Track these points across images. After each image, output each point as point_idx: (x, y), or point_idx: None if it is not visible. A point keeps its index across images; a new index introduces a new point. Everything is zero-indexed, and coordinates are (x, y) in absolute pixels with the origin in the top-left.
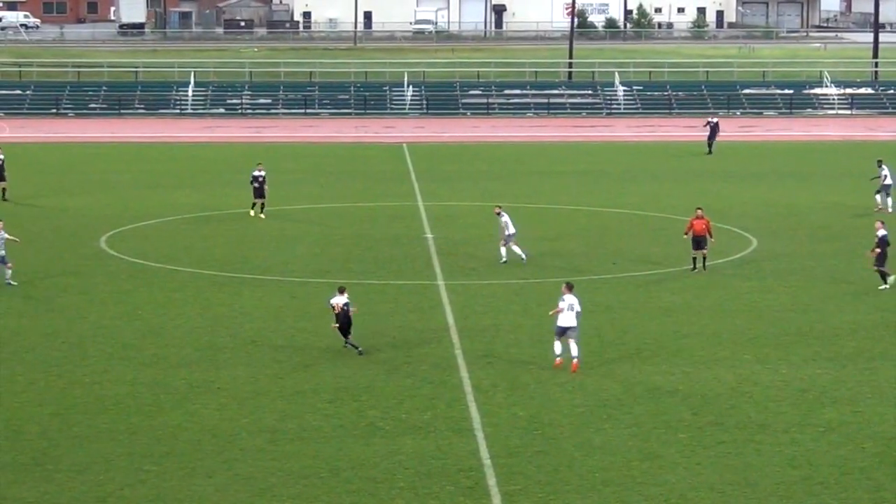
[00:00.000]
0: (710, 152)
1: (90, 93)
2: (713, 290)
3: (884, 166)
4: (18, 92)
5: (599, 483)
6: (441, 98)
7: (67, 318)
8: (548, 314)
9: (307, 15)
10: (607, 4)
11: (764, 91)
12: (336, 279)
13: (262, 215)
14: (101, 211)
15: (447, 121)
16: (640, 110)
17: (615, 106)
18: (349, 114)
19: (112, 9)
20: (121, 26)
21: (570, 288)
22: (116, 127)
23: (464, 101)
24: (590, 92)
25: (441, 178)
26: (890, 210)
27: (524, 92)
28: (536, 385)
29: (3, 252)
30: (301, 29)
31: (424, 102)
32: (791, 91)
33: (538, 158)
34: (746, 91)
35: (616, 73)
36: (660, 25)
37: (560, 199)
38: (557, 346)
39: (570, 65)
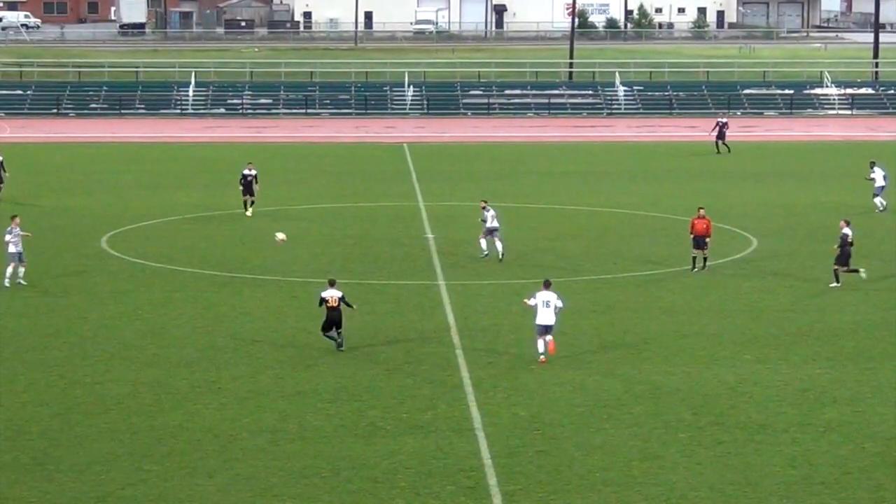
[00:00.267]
0: (719, 151)
1: (91, 93)
2: (713, 290)
3: (875, 168)
4: (19, 92)
5: (600, 483)
6: (442, 98)
7: (68, 318)
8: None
9: (308, 15)
10: (608, 4)
11: (764, 91)
12: (337, 279)
13: (249, 212)
14: (102, 211)
15: (448, 121)
16: (641, 110)
17: (616, 106)
18: (350, 114)
19: (113, 9)
20: (121, 26)
21: (547, 285)
22: (117, 127)
23: (464, 101)
24: (590, 92)
25: (442, 178)
26: (879, 210)
27: (525, 92)
28: (537, 385)
29: (20, 249)
30: (302, 29)
31: (425, 102)
32: (791, 91)
33: (539, 158)
34: (747, 91)
35: (617, 74)
36: (660, 25)
37: (560, 199)
38: (540, 345)
39: (571, 65)
